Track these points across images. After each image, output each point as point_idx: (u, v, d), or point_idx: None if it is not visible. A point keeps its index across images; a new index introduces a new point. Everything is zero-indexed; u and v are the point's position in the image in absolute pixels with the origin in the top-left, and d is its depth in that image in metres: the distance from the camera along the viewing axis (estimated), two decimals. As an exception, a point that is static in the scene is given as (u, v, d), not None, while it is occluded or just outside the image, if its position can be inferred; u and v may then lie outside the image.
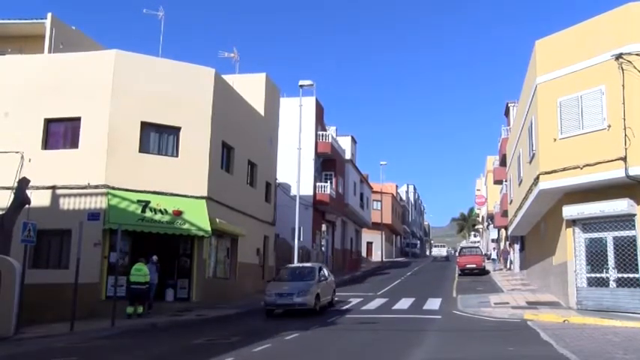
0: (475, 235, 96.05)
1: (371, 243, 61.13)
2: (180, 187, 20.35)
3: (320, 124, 39.62)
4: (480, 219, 79.56)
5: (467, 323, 15.37)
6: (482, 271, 35.95)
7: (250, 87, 27.20)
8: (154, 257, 19.11)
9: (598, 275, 16.40)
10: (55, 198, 19.18)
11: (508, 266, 40.52)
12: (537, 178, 17.50)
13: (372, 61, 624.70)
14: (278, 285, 18.41)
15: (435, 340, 12.51)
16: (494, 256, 44.70)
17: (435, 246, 72.77)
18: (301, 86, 27.59)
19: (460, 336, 13.28)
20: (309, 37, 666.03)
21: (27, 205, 16.55)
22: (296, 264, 23.22)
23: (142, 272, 17.70)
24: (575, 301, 16.63)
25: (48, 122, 19.98)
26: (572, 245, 16.96)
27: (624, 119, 14.80)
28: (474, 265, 35.65)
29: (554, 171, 16.64)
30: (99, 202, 18.98)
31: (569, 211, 16.66)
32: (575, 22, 17.22)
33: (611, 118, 15.25)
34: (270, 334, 13.24)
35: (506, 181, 33.72)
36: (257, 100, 27.28)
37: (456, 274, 35.56)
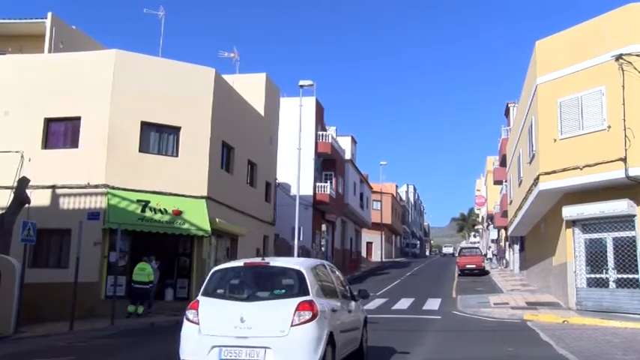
0: (475, 236, 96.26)
1: (371, 243, 61.13)
2: (180, 186, 20.34)
3: (320, 124, 39.63)
4: (479, 219, 79.67)
5: (466, 323, 15.38)
6: (482, 272, 35.99)
7: (250, 87, 27.20)
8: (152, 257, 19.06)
9: (598, 276, 16.40)
10: (55, 197, 19.17)
11: (505, 265, 41.21)
12: (537, 178, 17.50)
13: (373, 61, 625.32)
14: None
15: (434, 340, 12.51)
16: (490, 255, 45.28)
17: (445, 246, 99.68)
18: (301, 86, 27.55)
19: (460, 336, 13.29)
20: (310, 37, 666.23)
21: (27, 205, 16.54)
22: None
23: (145, 272, 17.70)
24: (575, 301, 16.64)
25: (48, 122, 19.97)
26: (572, 246, 16.96)
27: (624, 120, 14.81)
28: (474, 266, 35.68)
29: (554, 171, 16.64)
30: (99, 202, 18.97)
31: (569, 211, 16.66)
32: (576, 22, 17.29)
33: (611, 118, 15.25)
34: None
35: (506, 181, 33.73)
36: (257, 100, 27.28)
37: (456, 275, 35.58)
